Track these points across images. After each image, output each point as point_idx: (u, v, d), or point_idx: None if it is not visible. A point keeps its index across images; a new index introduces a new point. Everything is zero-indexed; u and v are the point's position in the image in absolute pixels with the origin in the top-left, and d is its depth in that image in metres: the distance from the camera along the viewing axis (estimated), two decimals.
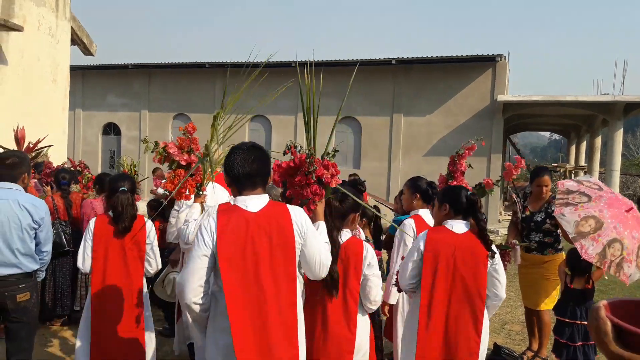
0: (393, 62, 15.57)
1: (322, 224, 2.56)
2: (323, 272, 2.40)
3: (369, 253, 2.74)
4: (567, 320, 4.00)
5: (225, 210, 2.25)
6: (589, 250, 2.77)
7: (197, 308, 2.19)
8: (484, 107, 15.29)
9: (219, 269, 2.17)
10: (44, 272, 3.54)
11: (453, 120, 15.60)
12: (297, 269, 2.30)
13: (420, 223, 3.61)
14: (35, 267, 3.34)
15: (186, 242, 2.97)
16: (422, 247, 2.78)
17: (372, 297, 2.74)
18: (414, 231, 3.54)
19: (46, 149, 7.46)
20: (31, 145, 6.94)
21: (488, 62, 15.05)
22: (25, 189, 3.37)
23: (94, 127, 19.87)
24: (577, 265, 3.87)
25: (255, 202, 2.26)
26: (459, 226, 2.82)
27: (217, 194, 3.69)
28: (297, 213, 2.31)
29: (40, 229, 3.30)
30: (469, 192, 2.92)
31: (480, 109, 15.33)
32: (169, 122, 18.83)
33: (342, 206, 2.78)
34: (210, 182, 3.38)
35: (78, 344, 3.46)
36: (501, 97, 14.73)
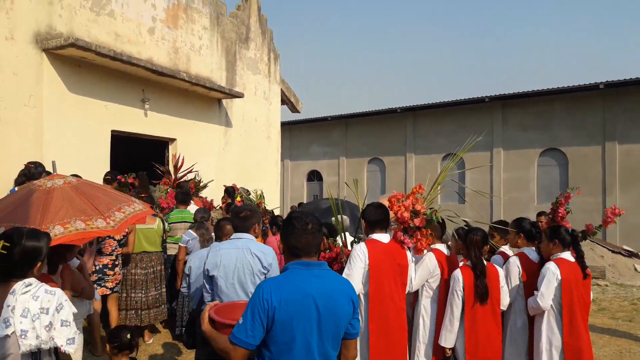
0: (601, 86, 14.15)
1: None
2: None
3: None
4: None
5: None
6: None
7: None
8: None
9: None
10: None
11: None
12: None
13: (524, 260, 4.05)
14: None
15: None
16: (559, 276, 3.69)
17: None
18: (518, 268, 4.01)
19: (193, 170, 8.68)
20: (182, 168, 8.50)
21: None
22: (256, 238, 3.72)
23: (300, 175, 21.86)
24: None
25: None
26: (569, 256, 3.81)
27: None
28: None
29: (269, 273, 3.58)
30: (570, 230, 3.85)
31: None
32: (364, 166, 19.77)
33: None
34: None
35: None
36: None
